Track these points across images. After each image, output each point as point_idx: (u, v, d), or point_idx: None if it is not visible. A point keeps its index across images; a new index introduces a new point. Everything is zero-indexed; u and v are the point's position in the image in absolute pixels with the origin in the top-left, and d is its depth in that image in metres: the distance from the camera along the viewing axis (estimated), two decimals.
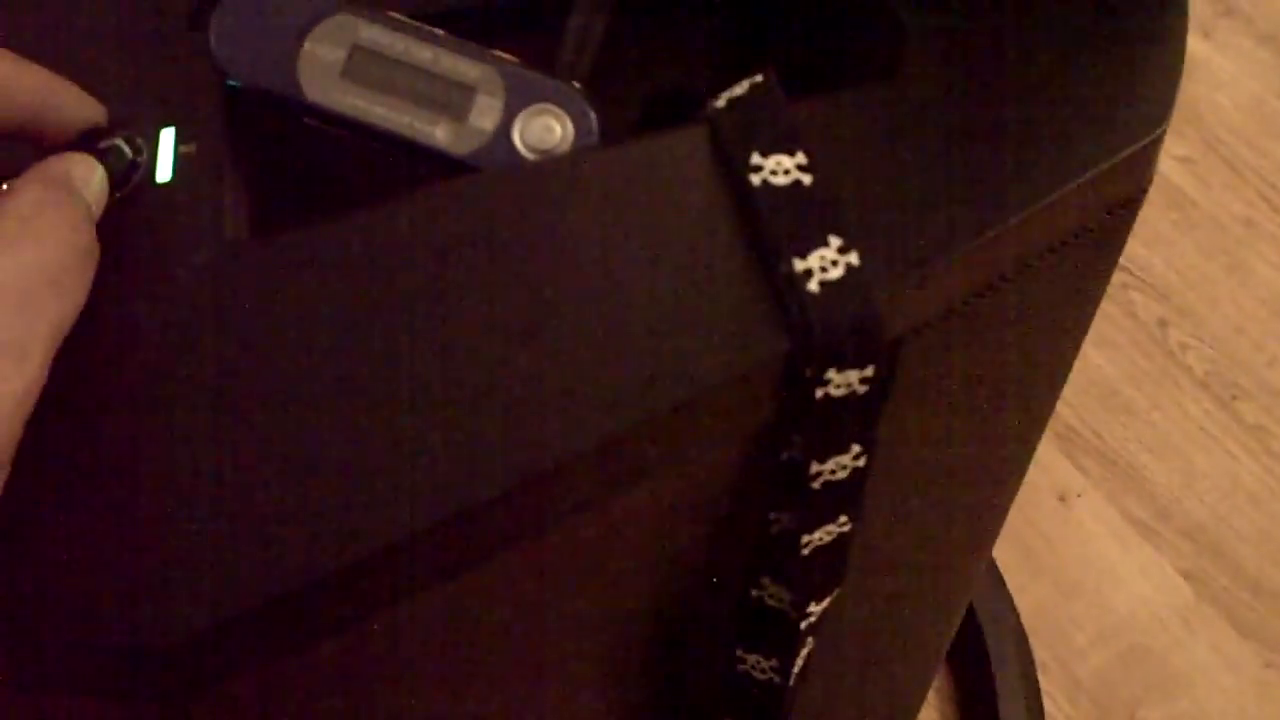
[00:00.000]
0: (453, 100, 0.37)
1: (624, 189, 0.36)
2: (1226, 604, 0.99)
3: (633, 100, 0.44)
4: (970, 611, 0.92)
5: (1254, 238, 1.17)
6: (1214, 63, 1.28)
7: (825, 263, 0.34)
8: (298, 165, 0.40)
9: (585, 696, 0.46)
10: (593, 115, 0.37)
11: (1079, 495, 1.04)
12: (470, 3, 0.40)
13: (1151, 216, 1.18)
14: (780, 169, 0.35)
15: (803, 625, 0.41)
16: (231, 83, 0.37)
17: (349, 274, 0.34)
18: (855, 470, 0.37)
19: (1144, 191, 0.42)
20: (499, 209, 0.35)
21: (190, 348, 0.32)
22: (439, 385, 0.32)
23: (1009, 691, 0.90)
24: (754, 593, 0.41)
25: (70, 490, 0.31)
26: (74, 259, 0.30)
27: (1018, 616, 0.95)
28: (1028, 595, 0.98)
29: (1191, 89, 1.26)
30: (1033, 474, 1.01)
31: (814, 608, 0.41)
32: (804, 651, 0.43)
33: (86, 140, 0.34)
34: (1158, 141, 0.40)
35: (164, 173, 0.35)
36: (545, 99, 0.37)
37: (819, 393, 0.35)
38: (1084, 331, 0.49)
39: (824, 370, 0.34)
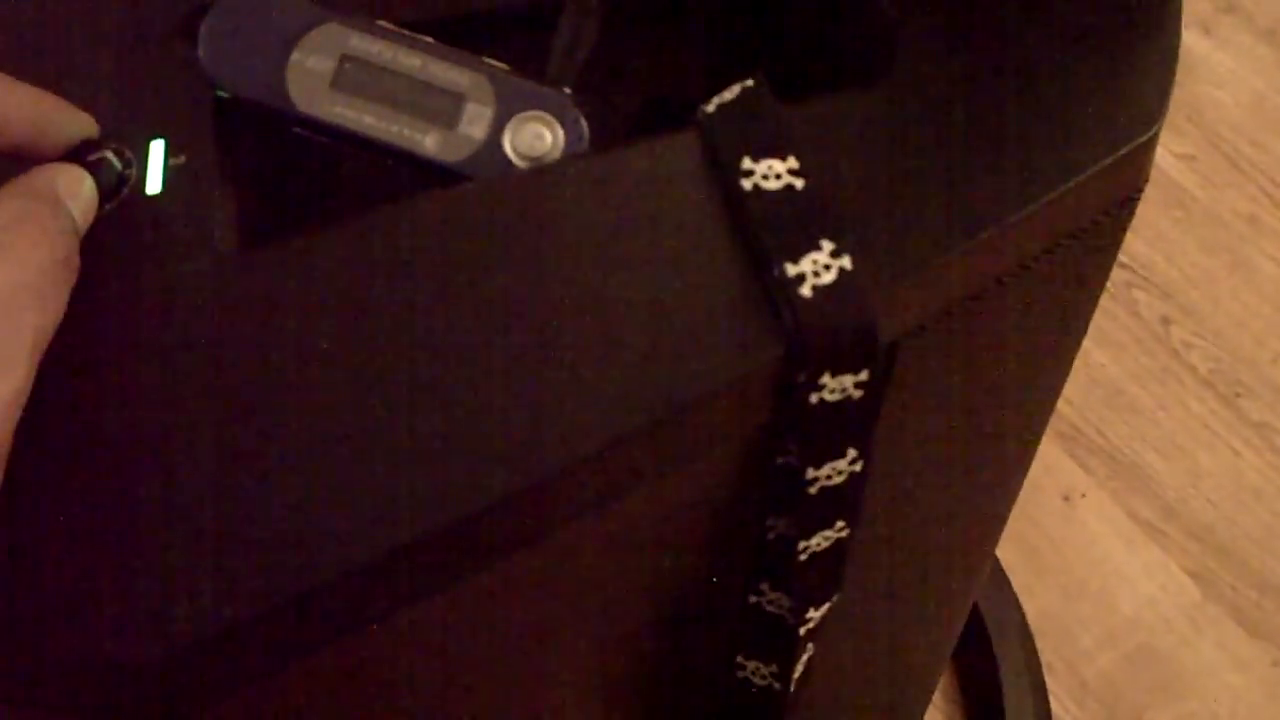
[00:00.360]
0: (443, 108, 0.36)
1: (615, 196, 0.35)
2: (1233, 603, 0.98)
3: (624, 106, 0.44)
4: (975, 613, 0.91)
5: (1256, 234, 1.17)
6: (1215, 59, 1.27)
7: (818, 267, 0.34)
8: (288, 175, 0.40)
9: (585, 703, 0.45)
10: (583, 122, 0.37)
11: (1084, 495, 1.03)
12: (460, 10, 0.40)
13: (1153, 214, 1.17)
14: (772, 173, 0.35)
15: (801, 631, 0.41)
16: (221, 93, 0.36)
17: (340, 284, 0.34)
18: (852, 475, 0.37)
19: (1139, 191, 0.42)
20: (490, 217, 0.35)
21: (181, 359, 0.32)
22: (431, 394, 0.32)
23: (1015, 694, 0.89)
24: (753, 598, 0.41)
25: (58, 504, 0.31)
26: (54, 270, 0.30)
27: (1023, 618, 0.95)
28: (1033, 596, 0.97)
29: (1192, 86, 1.25)
30: (1037, 474, 1.01)
31: (813, 613, 0.41)
32: (804, 657, 0.43)
33: (76, 152, 0.34)
34: (1153, 141, 0.40)
35: (154, 184, 0.35)
36: (536, 106, 0.37)
37: (813, 398, 0.35)
38: (1083, 331, 0.49)
39: (818, 375, 0.34)
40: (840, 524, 0.39)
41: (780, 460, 0.37)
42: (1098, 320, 0.48)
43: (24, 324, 0.28)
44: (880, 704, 0.67)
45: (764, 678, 0.43)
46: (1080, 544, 1.01)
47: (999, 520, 0.58)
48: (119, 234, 0.34)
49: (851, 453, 0.37)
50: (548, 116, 0.37)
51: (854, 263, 0.34)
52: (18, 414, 0.28)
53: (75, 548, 0.30)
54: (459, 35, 0.38)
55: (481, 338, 0.33)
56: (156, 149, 0.36)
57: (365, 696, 0.36)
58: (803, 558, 0.39)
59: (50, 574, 0.30)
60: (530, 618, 0.38)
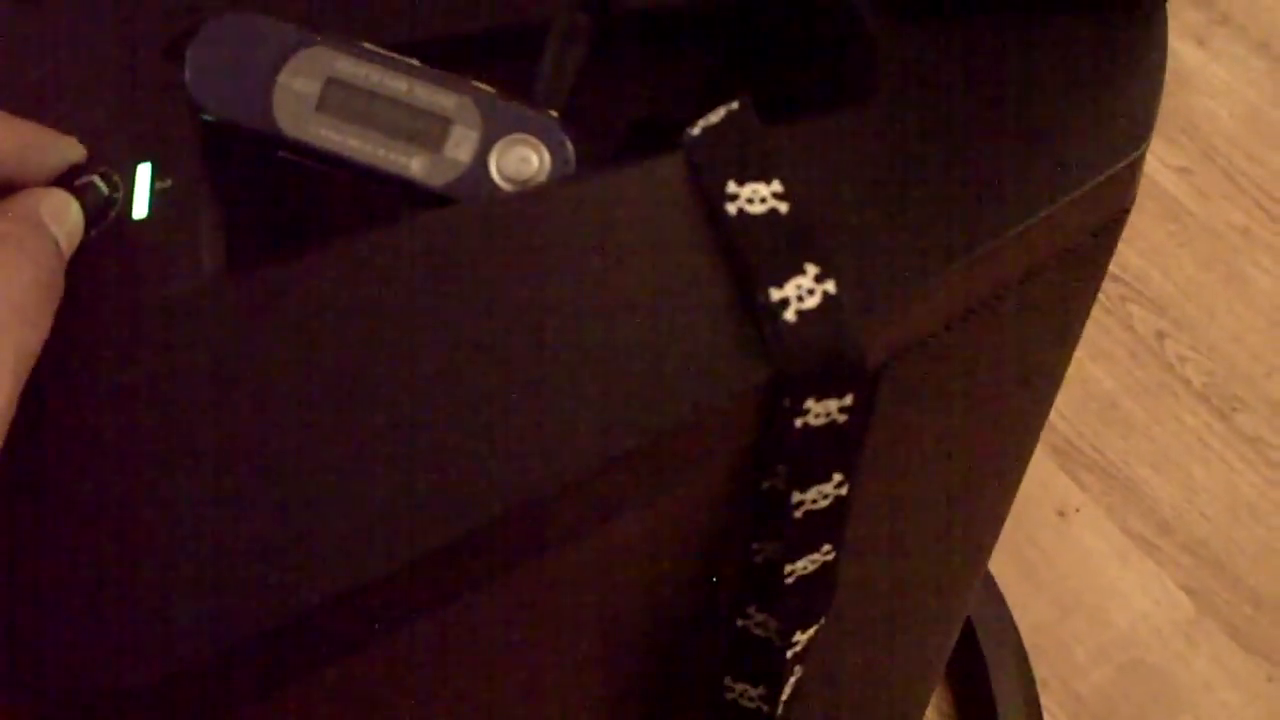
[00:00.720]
0: (428, 131, 0.36)
1: (600, 219, 0.35)
2: (1228, 618, 0.98)
3: (610, 129, 0.44)
4: (970, 629, 0.91)
5: (1251, 248, 1.17)
6: (1209, 71, 1.28)
7: (802, 291, 0.34)
8: (274, 199, 0.40)
9: None
10: (569, 145, 0.37)
11: (1078, 510, 1.03)
12: (446, 32, 0.40)
13: (1148, 228, 1.18)
14: (756, 197, 0.35)
15: (789, 654, 0.41)
16: (207, 117, 0.36)
17: (327, 307, 0.34)
18: (837, 499, 0.37)
19: (1127, 210, 0.42)
20: (476, 241, 0.35)
21: (169, 383, 0.32)
22: (415, 419, 0.32)
23: (1009, 709, 0.89)
24: (740, 622, 0.41)
25: (53, 528, 0.31)
26: (36, 292, 0.30)
27: (1018, 633, 0.95)
28: (1027, 611, 0.97)
29: (1186, 98, 1.25)
30: (1031, 489, 1.01)
31: (800, 636, 0.41)
32: (791, 679, 0.43)
33: (63, 177, 0.34)
34: (1140, 160, 0.40)
35: (141, 208, 0.35)
36: (522, 129, 0.37)
37: (798, 422, 0.35)
38: (1073, 347, 0.49)
39: (802, 400, 0.34)
40: (826, 547, 0.39)
41: (766, 484, 0.37)
42: (1092, 334, 0.48)
43: (8, 345, 0.29)
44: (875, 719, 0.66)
45: (752, 700, 0.43)
46: (1074, 559, 1.01)
47: (989, 539, 0.58)
48: (106, 258, 0.34)
49: (837, 477, 0.37)
50: (534, 140, 0.37)
51: (838, 287, 0.34)
52: (3, 433, 0.28)
53: (71, 572, 0.30)
54: (445, 58, 0.38)
55: (467, 361, 0.33)
56: (143, 173, 0.36)
57: (357, 716, 0.36)
58: (789, 581, 0.39)
59: (47, 598, 0.30)
60: (519, 639, 0.38)
